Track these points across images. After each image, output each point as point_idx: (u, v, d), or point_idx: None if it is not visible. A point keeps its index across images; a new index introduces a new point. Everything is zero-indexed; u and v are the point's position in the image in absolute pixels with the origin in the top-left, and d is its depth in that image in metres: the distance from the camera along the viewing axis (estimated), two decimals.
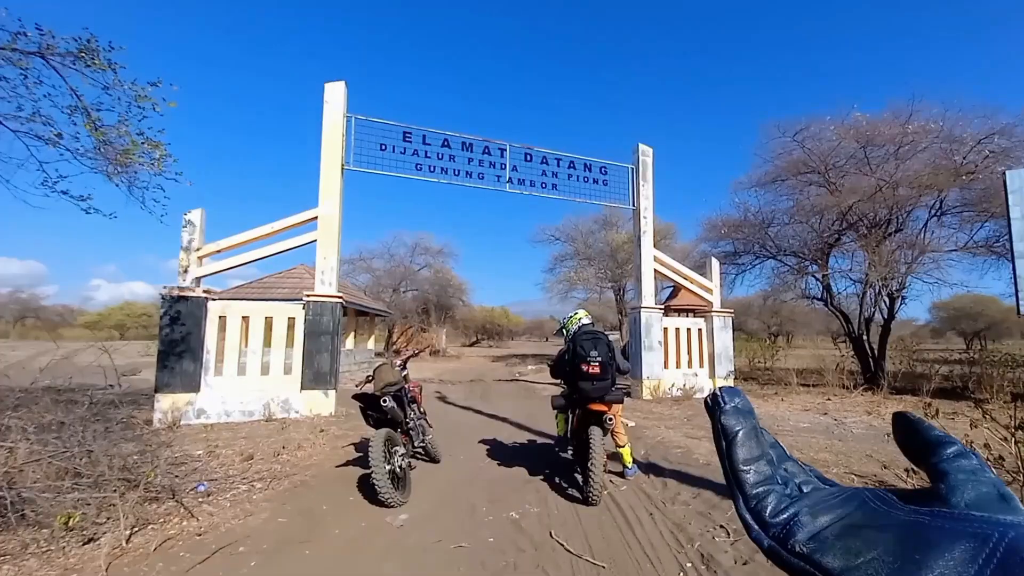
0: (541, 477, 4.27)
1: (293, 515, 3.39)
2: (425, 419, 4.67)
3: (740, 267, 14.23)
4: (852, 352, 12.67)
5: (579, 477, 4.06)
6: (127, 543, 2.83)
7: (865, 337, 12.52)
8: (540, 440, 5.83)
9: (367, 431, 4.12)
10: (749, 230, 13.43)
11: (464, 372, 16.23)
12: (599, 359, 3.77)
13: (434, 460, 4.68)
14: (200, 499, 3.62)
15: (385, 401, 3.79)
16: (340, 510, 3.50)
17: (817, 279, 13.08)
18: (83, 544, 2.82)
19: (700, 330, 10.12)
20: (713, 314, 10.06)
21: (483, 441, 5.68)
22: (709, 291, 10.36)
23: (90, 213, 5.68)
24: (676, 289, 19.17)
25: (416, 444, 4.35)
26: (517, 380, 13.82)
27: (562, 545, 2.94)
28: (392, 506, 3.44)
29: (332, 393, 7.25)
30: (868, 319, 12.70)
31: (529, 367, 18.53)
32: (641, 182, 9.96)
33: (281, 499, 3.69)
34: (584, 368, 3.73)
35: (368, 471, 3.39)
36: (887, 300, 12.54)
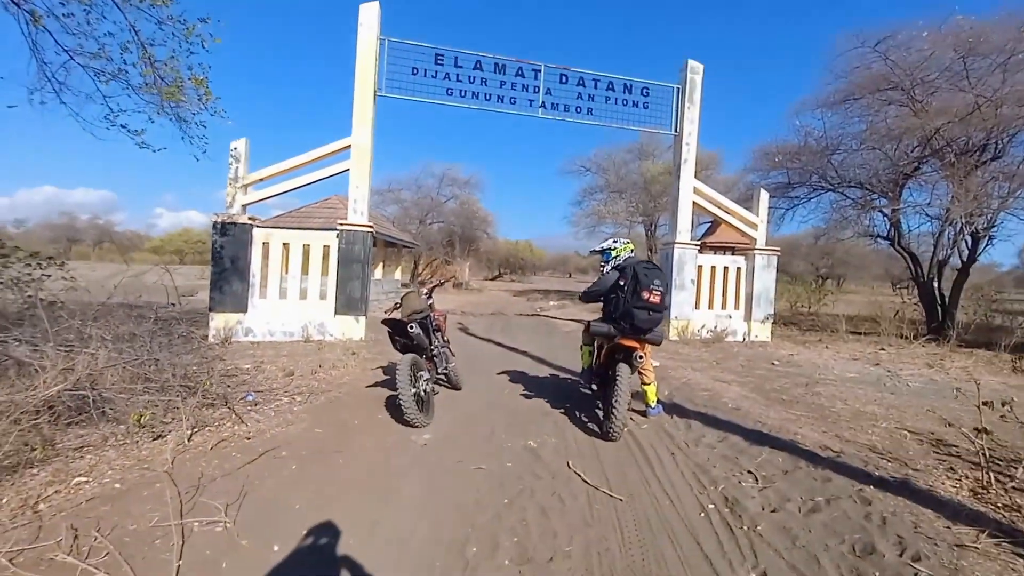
0: (560, 410, 4.46)
1: (328, 427, 3.82)
2: (448, 348, 4.94)
3: (792, 201, 13.21)
4: (917, 299, 11.79)
5: (600, 412, 4.19)
6: (188, 441, 3.32)
7: (936, 283, 11.54)
8: (561, 375, 6.06)
9: (394, 356, 4.45)
10: (808, 158, 12.25)
11: (486, 305, 16.73)
12: (661, 288, 3.72)
13: (456, 387, 5.02)
14: (248, 408, 4.13)
15: (412, 327, 4.00)
16: (369, 426, 3.90)
17: (885, 215, 12.01)
18: (153, 440, 3.34)
19: (739, 269, 9.76)
20: (756, 252, 9.61)
21: (503, 372, 5.97)
22: (754, 226, 9.82)
23: (143, 148, 6.24)
24: (714, 225, 18.32)
25: (439, 370, 4.65)
26: (538, 315, 14.12)
27: (579, 475, 3.02)
28: (416, 426, 3.78)
29: (363, 319, 7.78)
30: (942, 262, 11.64)
31: (551, 303, 18.76)
32: (687, 104, 9.16)
33: (317, 412, 4.15)
34: (645, 296, 3.65)
35: (395, 393, 3.70)
36: (968, 241, 11.39)
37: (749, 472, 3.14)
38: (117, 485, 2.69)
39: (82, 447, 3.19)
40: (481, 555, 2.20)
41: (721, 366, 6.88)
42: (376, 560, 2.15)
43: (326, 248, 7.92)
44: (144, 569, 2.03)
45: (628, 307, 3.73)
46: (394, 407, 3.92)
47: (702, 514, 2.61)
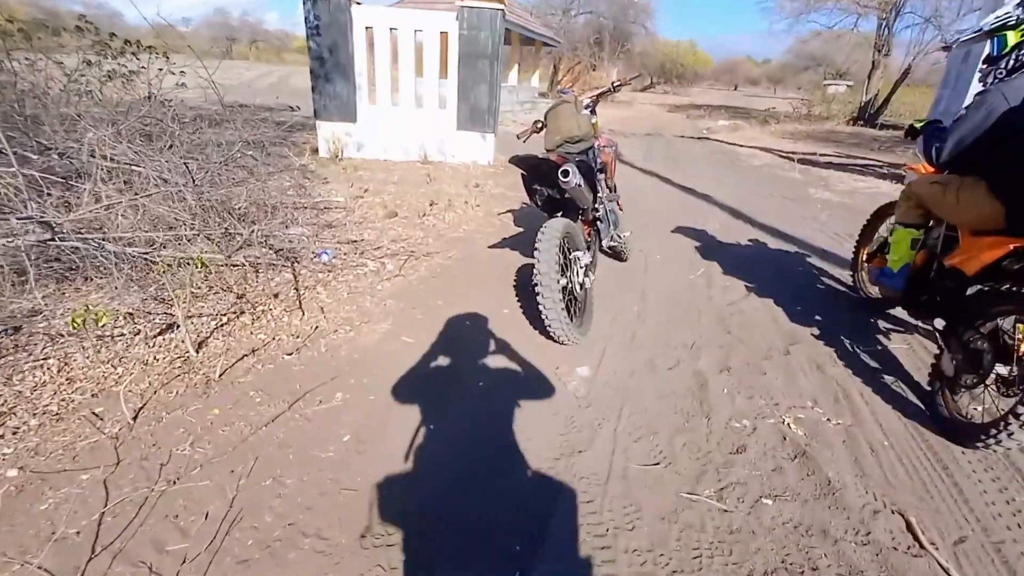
0: (815, 329, 2.11)
1: (421, 333, 2.02)
2: (618, 201, 2.58)
3: None
4: None
5: (935, 382, 1.63)
6: (197, 352, 1.78)
7: None
8: (783, 247, 3.35)
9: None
10: None
11: (637, 123, 12.37)
12: None
13: (621, 259, 2.81)
14: (318, 271, 2.48)
15: (567, 174, 1.79)
16: (488, 337, 2.01)
17: None
18: (157, 334, 1.88)
19: None
20: None
21: (683, 231, 3.48)
22: None
23: None
24: None
25: (604, 243, 2.43)
26: (706, 138, 9.98)
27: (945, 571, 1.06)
28: (563, 343, 1.87)
29: (491, 137, 5.41)
30: None
31: (719, 122, 13.53)
32: None
33: (412, 297, 2.34)
34: None
35: (531, 260, 1.75)
36: None
37: None
38: (13, 472, 1.24)
39: (61, 335, 1.83)
40: None
41: None
42: None
43: (444, 36, 5.35)
44: None
45: None
46: (527, 290, 1.94)
47: None
